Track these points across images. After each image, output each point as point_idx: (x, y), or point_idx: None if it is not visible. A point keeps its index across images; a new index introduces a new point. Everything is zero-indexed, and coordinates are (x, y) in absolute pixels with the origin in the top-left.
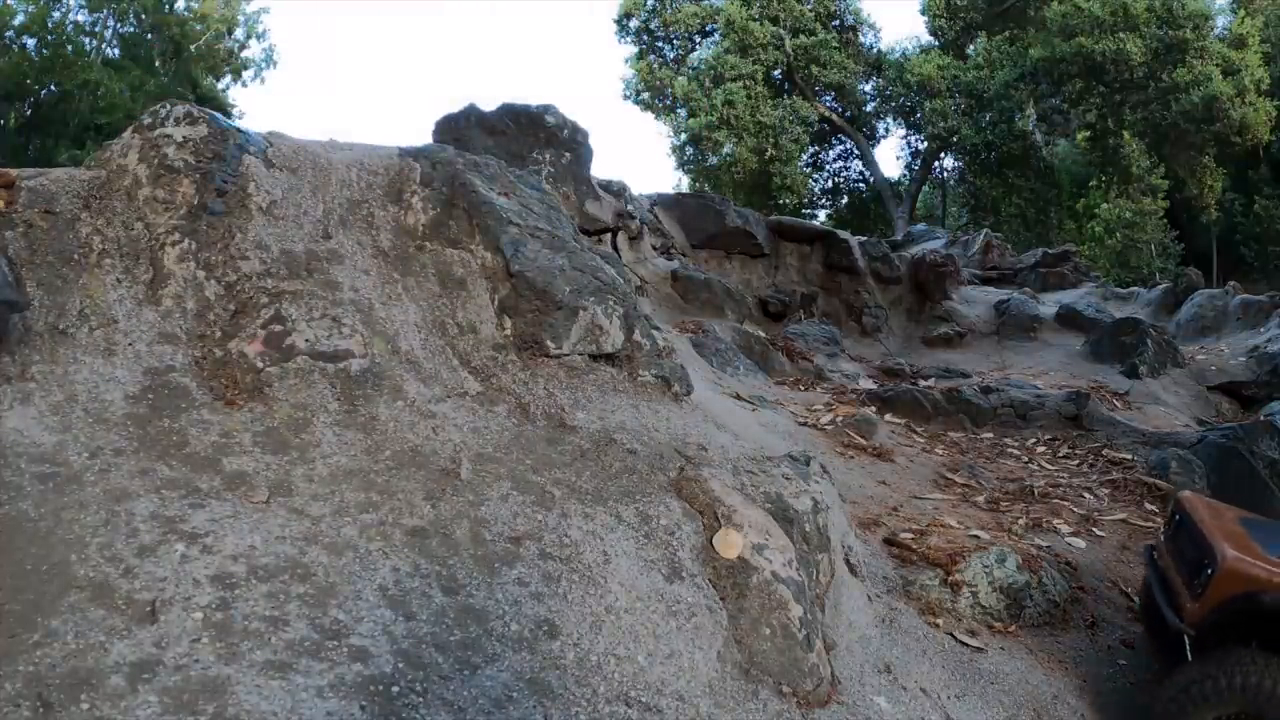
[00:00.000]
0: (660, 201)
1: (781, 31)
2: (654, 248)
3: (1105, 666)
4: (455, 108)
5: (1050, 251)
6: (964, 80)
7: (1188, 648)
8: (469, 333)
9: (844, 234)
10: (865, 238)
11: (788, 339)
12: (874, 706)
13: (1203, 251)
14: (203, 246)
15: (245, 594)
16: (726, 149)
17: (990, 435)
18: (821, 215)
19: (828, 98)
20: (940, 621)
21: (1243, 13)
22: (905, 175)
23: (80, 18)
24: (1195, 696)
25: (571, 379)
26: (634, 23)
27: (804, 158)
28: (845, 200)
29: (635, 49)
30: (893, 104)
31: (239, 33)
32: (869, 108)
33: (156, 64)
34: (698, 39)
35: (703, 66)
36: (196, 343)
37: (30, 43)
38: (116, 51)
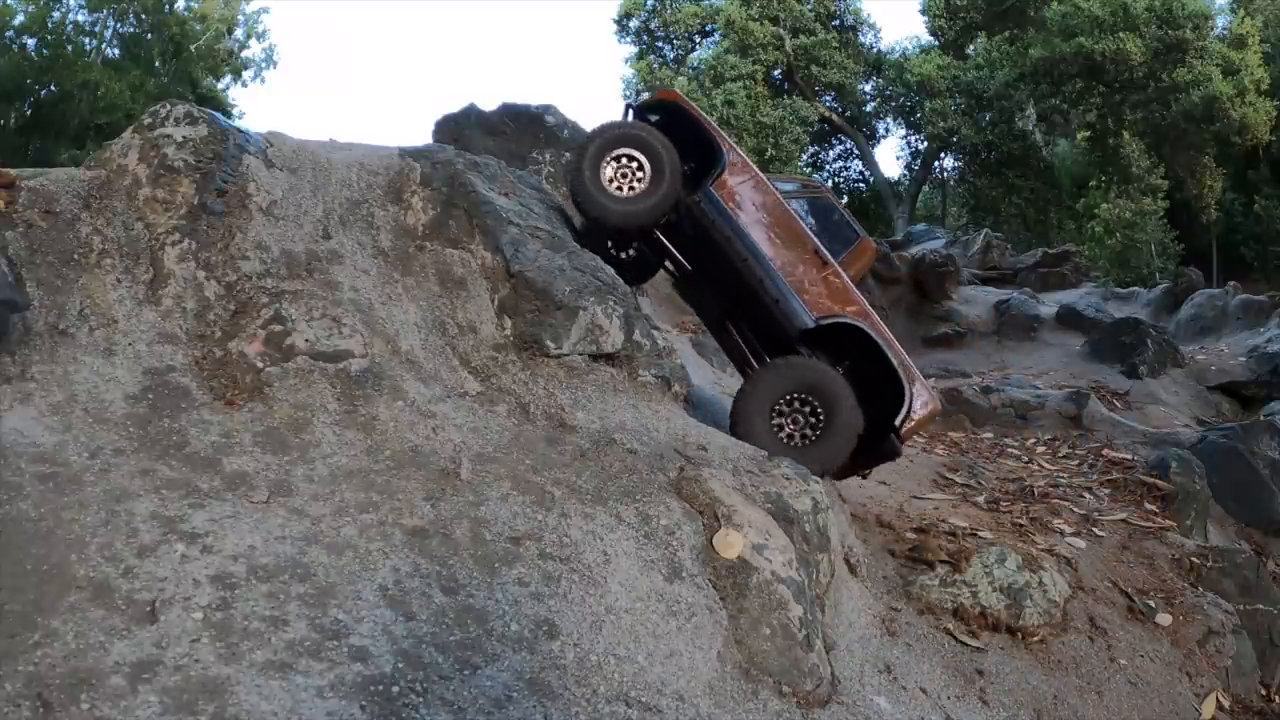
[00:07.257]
0: None
1: (781, 31)
2: None
3: (1105, 666)
4: (455, 108)
5: (1050, 251)
6: (964, 80)
7: None
8: (469, 333)
9: None
10: None
11: None
12: (874, 706)
13: (1203, 251)
14: (203, 246)
15: (245, 594)
16: None
17: (990, 435)
18: None
19: (828, 98)
20: (940, 621)
21: (1243, 13)
22: (905, 175)
23: (80, 18)
24: None
25: (571, 379)
26: (634, 23)
27: (804, 158)
28: (845, 200)
29: (635, 49)
30: (893, 104)
31: (239, 33)
32: (869, 108)
33: (156, 64)
34: (698, 39)
35: (703, 66)
36: (196, 343)
37: (30, 43)
38: (116, 51)
